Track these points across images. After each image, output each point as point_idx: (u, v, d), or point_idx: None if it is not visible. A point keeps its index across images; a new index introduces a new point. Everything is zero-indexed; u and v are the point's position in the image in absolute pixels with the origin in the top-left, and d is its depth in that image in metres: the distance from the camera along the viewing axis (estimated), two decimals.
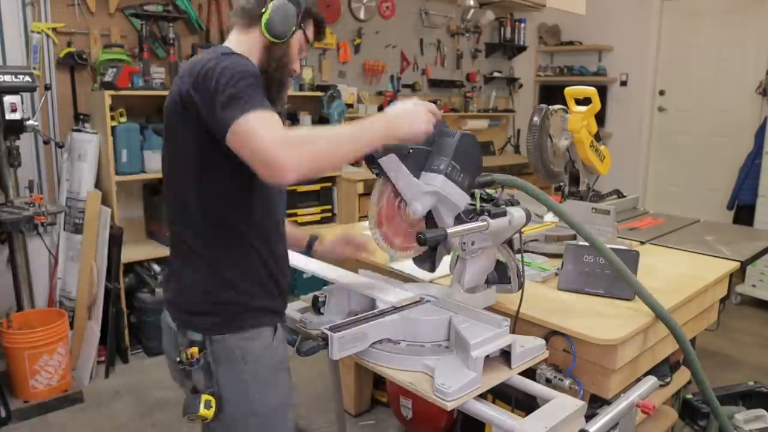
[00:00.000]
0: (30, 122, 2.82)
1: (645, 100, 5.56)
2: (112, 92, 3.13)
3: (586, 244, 1.75)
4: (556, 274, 1.82)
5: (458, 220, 1.40)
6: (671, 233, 2.51)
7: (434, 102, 5.18)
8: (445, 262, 1.52)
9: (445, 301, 1.46)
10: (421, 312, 1.42)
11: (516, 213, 1.46)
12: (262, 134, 1.08)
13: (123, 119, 3.26)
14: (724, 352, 3.44)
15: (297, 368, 2.98)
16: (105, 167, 3.22)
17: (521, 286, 1.51)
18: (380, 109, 4.77)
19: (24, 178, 3.03)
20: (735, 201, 4.66)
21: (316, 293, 1.60)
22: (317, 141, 1.14)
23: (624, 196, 2.93)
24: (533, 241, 2.14)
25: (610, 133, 5.73)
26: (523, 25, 5.85)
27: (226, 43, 1.36)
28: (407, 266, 1.90)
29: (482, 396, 1.25)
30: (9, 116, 2.73)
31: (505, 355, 1.32)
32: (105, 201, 3.20)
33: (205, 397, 1.28)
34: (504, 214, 1.43)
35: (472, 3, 5.17)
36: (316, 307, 1.59)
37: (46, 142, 3.20)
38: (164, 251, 3.42)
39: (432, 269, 1.49)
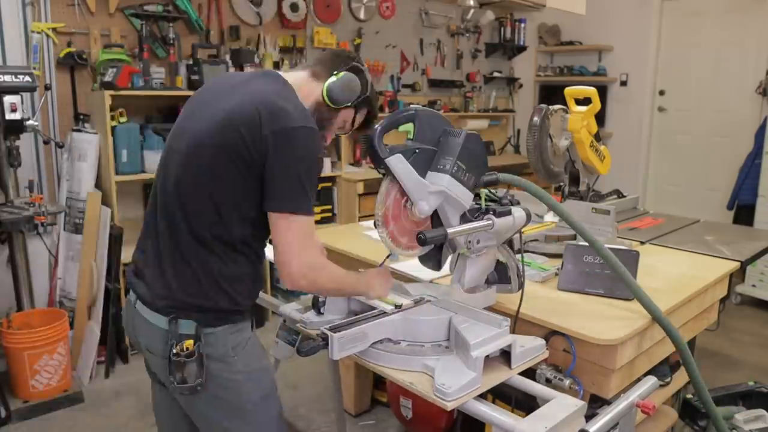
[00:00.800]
0: (30, 122, 2.82)
1: (645, 100, 5.55)
2: (112, 92, 3.13)
3: (587, 244, 1.75)
4: (556, 274, 1.82)
5: (464, 218, 1.41)
6: (671, 233, 2.51)
7: (434, 102, 5.19)
8: (446, 261, 1.53)
9: (445, 301, 1.46)
10: (421, 312, 1.42)
11: (517, 213, 1.47)
12: (295, 250, 1.28)
13: (123, 119, 3.26)
14: (724, 352, 3.44)
15: (297, 368, 3.01)
16: (105, 167, 3.22)
17: (521, 286, 1.51)
18: (380, 109, 4.78)
19: (24, 178, 3.03)
20: (735, 201, 4.65)
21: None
22: (330, 270, 1.36)
23: (624, 196, 2.93)
24: (533, 241, 2.14)
25: (610, 133, 5.73)
26: (523, 25, 5.85)
27: (290, 76, 1.42)
28: (407, 266, 1.90)
29: (482, 396, 1.25)
30: (9, 116, 2.73)
31: (505, 355, 1.32)
32: (105, 201, 3.21)
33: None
34: (509, 213, 1.44)
35: (472, 3, 5.17)
36: (316, 307, 1.58)
37: (46, 142, 3.20)
38: None
39: (437, 268, 1.49)
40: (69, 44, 3.31)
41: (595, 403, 1.49)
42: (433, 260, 1.50)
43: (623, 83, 5.67)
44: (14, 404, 2.71)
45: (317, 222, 4.18)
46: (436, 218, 1.43)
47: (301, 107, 1.32)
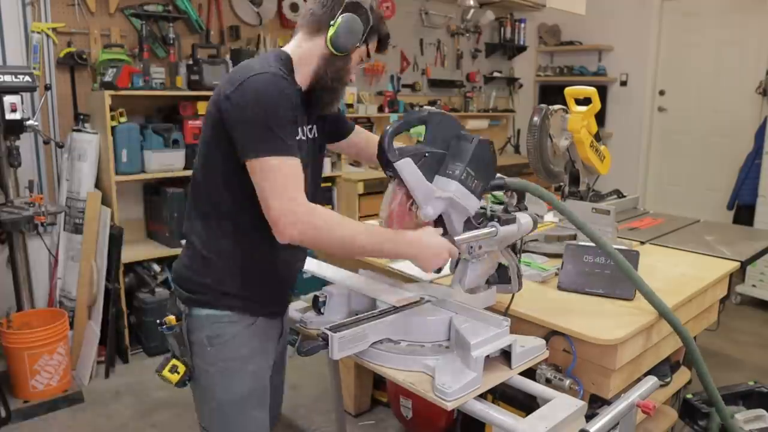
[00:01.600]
0: (30, 122, 2.82)
1: (645, 100, 5.56)
2: (112, 92, 3.13)
3: (586, 244, 1.75)
4: (556, 274, 1.82)
5: (468, 224, 1.40)
6: (671, 233, 2.51)
7: (434, 102, 5.19)
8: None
9: (445, 301, 1.46)
10: (421, 312, 1.42)
11: (523, 219, 1.45)
12: (269, 195, 1.20)
13: (123, 119, 3.26)
14: (724, 352, 3.44)
15: (297, 368, 3.00)
16: (105, 167, 3.22)
17: (521, 286, 1.51)
18: (380, 109, 4.78)
19: (24, 178, 3.03)
20: (735, 201, 4.65)
21: (317, 293, 1.60)
22: (322, 217, 1.23)
23: (624, 196, 2.93)
24: (533, 241, 2.14)
25: (610, 133, 5.73)
26: (523, 25, 5.85)
27: (287, 47, 1.40)
28: (407, 266, 1.90)
29: (482, 396, 1.25)
30: (9, 116, 2.73)
31: (506, 355, 1.32)
32: (105, 201, 3.20)
33: (173, 361, 1.37)
34: (513, 220, 1.43)
35: (472, 3, 5.17)
36: (317, 307, 1.59)
37: (46, 142, 3.20)
38: (164, 251, 3.42)
39: (439, 270, 1.48)
40: (69, 44, 3.30)
41: (595, 403, 1.50)
42: None
43: (623, 83, 5.67)
44: (14, 404, 2.71)
45: None
46: (439, 220, 1.42)
47: (269, 63, 1.29)
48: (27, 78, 2.78)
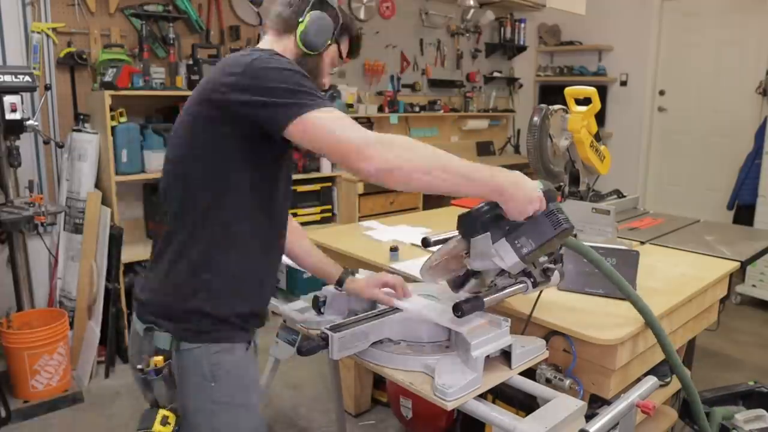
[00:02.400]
0: (30, 122, 2.82)
1: (645, 100, 5.56)
2: (112, 92, 3.13)
3: (587, 244, 1.75)
4: None
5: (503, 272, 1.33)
6: (671, 233, 2.51)
7: (434, 102, 5.19)
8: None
9: (446, 301, 1.46)
10: (422, 312, 1.41)
11: (554, 277, 1.40)
12: (347, 133, 1.09)
13: (123, 119, 3.26)
14: (724, 352, 3.44)
15: (297, 368, 3.00)
16: (105, 167, 3.22)
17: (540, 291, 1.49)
18: (380, 109, 4.78)
19: (24, 178, 3.03)
20: (735, 201, 4.65)
21: (317, 293, 1.60)
22: (404, 141, 1.11)
23: (624, 196, 2.93)
24: None
25: (610, 133, 5.73)
26: (523, 25, 5.85)
27: (263, 45, 1.34)
28: (407, 266, 1.90)
29: (482, 396, 1.25)
30: (9, 116, 2.73)
31: (506, 355, 1.32)
32: (105, 201, 3.20)
33: (163, 412, 1.19)
34: (547, 281, 1.38)
35: (472, 3, 5.17)
36: (317, 306, 1.59)
37: (46, 142, 3.20)
38: None
39: (457, 290, 1.43)
40: (69, 44, 3.30)
41: (595, 403, 1.49)
42: (457, 286, 1.44)
43: (623, 83, 5.67)
44: (14, 404, 2.71)
45: (317, 222, 4.18)
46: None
47: (262, 50, 1.24)
48: (27, 78, 2.78)
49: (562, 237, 1.24)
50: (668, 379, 1.92)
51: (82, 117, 3.33)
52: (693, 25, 5.23)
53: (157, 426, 1.17)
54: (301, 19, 1.29)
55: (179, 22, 3.63)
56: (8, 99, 2.72)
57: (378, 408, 2.80)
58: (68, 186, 3.30)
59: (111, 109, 3.15)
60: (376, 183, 1.10)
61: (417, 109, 5.06)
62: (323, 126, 1.09)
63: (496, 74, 5.87)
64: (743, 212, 4.52)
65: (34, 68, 3.15)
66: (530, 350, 1.36)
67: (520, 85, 6.17)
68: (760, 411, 2.00)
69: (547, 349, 1.41)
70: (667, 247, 2.28)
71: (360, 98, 4.71)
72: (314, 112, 1.09)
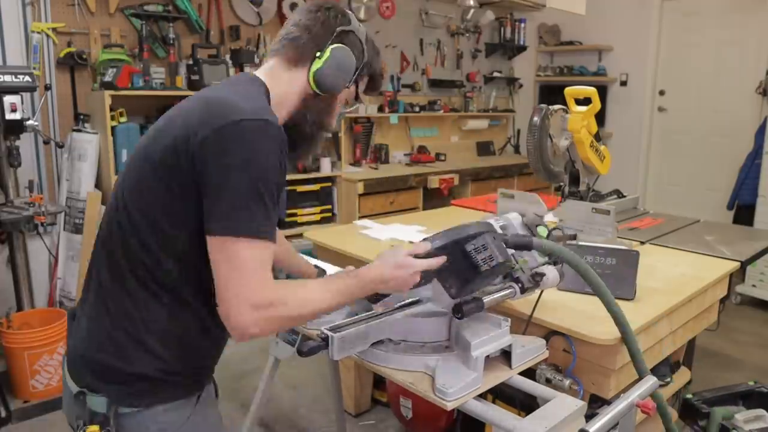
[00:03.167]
0: (30, 122, 2.82)
1: (645, 100, 5.56)
2: (112, 92, 3.13)
3: (587, 244, 1.75)
4: None
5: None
6: (671, 233, 2.51)
7: (434, 102, 5.19)
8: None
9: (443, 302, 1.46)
10: (421, 312, 1.41)
11: (550, 275, 1.39)
12: (236, 285, 0.94)
13: (123, 119, 3.26)
14: (724, 352, 3.44)
15: (297, 368, 3.00)
16: (105, 167, 3.22)
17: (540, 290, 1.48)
18: (380, 109, 4.77)
19: (24, 178, 3.03)
20: (735, 201, 4.65)
21: None
22: (290, 306, 1.00)
23: (624, 196, 2.93)
24: None
25: (610, 133, 5.73)
26: (523, 25, 5.85)
27: (260, 73, 1.14)
28: None
29: (482, 396, 1.25)
30: (9, 116, 2.73)
31: (506, 355, 1.32)
32: (105, 201, 3.20)
33: None
34: (536, 287, 1.37)
35: (472, 3, 5.17)
36: None
37: (46, 142, 3.20)
38: None
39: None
40: (69, 44, 3.31)
41: (595, 403, 1.49)
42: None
43: (623, 83, 5.67)
44: (14, 404, 2.71)
45: (317, 222, 4.18)
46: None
47: (257, 100, 1.04)
48: (27, 78, 2.78)
49: (488, 275, 1.20)
50: (668, 379, 1.92)
51: (82, 117, 3.33)
52: (693, 25, 5.23)
53: None
54: (319, 54, 1.11)
55: (179, 22, 3.63)
56: (8, 99, 2.72)
57: (378, 408, 2.80)
58: (68, 186, 3.30)
59: (111, 109, 3.15)
60: None
61: (417, 109, 5.06)
62: (236, 261, 0.94)
63: (496, 74, 5.87)
64: (743, 212, 4.52)
65: (34, 68, 3.15)
66: (530, 350, 1.36)
67: (520, 85, 6.17)
68: (760, 411, 2.00)
69: (547, 349, 1.41)
70: (667, 247, 2.28)
71: None
72: (245, 242, 0.94)
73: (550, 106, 2.22)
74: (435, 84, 5.35)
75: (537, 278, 1.36)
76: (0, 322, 2.78)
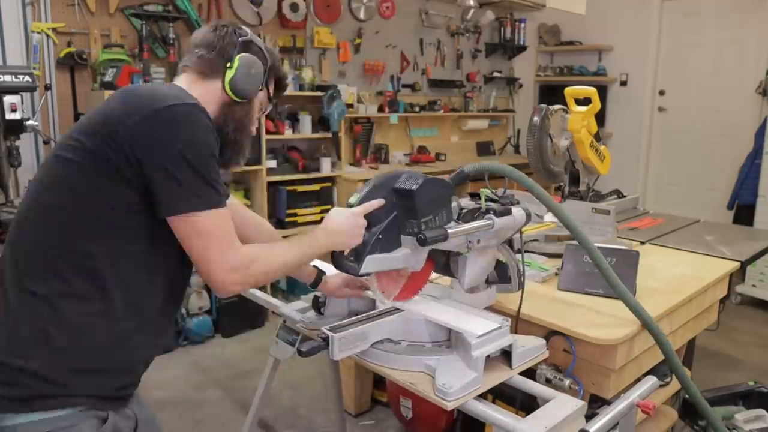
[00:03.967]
0: (30, 122, 2.82)
1: (645, 100, 5.56)
2: (112, 92, 3.12)
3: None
4: (556, 274, 1.82)
5: (464, 218, 1.40)
6: (671, 233, 2.51)
7: (434, 102, 5.19)
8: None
9: (445, 301, 1.46)
10: (422, 312, 1.41)
11: (516, 212, 1.46)
12: (213, 253, 1.06)
13: None
14: (724, 352, 3.44)
15: (297, 368, 3.00)
16: None
17: (521, 285, 1.51)
18: (380, 109, 4.78)
19: (24, 178, 3.03)
20: (735, 201, 4.65)
21: (317, 293, 1.60)
22: (262, 261, 1.14)
23: (624, 196, 2.93)
24: (533, 241, 2.14)
25: (610, 133, 5.73)
26: (523, 25, 5.85)
27: (180, 83, 1.20)
28: None
29: (482, 396, 1.25)
30: (9, 116, 2.72)
31: (506, 355, 1.32)
32: None
33: None
34: (509, 212, 1.43)
35: (472, 3, 5.17)
36: (317, 307, 1.59)
37: (46, 142, 3.20)
38: None
39: (452, 274, 1.48)
40: (69, 44, 3.31)
41: (595, 403, 1.49)
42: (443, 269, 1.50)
43: (623, 83, 5.68)
44: None
45: (317, 222, 4.16)
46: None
47: (180, 90, 1.11)
48: (27, 78, 2.78)
49: (423, 193, 1.28)
50: (668, 379, 1.92)
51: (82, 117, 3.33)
52: (693, 25, 5.23)
53: None
54: (229, 64, 1.19)
55: (179, 22, 3.63)
56: (8, 99, 2.71)
57: (378, 408, 2.80)
58: None
59: None
60: None
61: (417, 109, 5.06)
62: (205, 233, 1.06)
63: (496, 74, 5.87)
64: (743, 212, 4.52)
65: (34, 68, 3.15)
66: (530, 350, 1.36)
67: (520, 85, 6.17)
68: (760, 411, 2.00)
69: (547, 349, 1.41)
70: (667, 247, 2.28)
71: (360, 98, 4.71)
72: (206, 214, 1.06)
73: (550, 106, 2.22)
74: (435, 84, 5.35)
75: (504, 203, 1.44)
76: None
